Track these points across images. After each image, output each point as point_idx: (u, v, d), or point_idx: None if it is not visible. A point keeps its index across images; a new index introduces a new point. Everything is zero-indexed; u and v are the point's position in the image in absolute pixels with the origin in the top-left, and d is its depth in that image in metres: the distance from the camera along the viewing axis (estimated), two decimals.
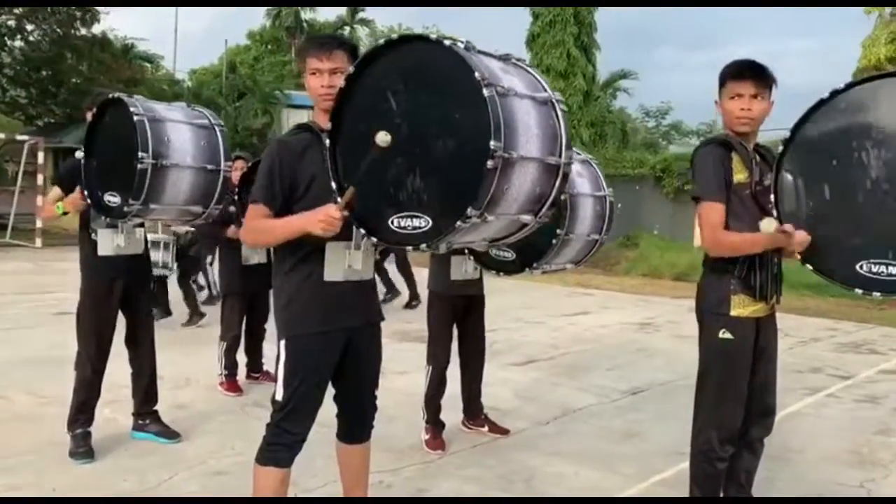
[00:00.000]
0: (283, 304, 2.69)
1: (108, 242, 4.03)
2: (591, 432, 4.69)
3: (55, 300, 8.29)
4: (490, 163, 2.17)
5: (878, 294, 2.53)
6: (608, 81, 24.37)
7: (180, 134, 3.86)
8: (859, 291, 2.57)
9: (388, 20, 57.82)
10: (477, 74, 2.20)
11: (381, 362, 2.95)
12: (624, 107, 28.78)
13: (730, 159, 2.87)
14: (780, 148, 2.75)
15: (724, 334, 2.94)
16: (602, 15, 18.99)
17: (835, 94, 2.61)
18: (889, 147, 2.49)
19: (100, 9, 17.13)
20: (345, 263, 2.69)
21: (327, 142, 2.50)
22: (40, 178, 15.02)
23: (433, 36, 2.34)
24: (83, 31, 17.68)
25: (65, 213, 4.02)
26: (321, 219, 2.43)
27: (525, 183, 2.38)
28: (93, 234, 4.05)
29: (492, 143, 2.16)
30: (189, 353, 6.21)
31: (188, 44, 59.14)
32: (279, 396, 2.66)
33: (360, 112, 2.44)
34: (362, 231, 2.49)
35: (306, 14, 38.47)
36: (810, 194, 2.67)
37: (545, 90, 2.47)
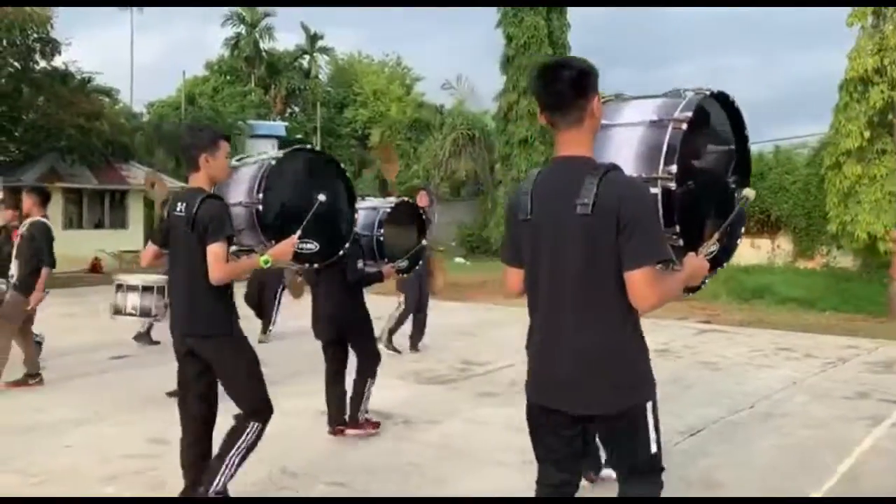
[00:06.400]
0: (647, 362, 2.43)
1: None
2: (668, 483, 4.17)
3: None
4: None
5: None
6: None
7: None
8: None
9: (346, 47, 57.52)
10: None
11: None
12: None
13: None
14: None
15: None
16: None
17: None
18: None
19: (61, 40, 16.36)
20: None
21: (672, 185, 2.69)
22: (0, 219, 14.09)
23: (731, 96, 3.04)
24: (43, 64, 16.87)
25: (266, 263, 3.55)
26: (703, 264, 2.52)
27: None
28: None
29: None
30: None
31: (143, 76, 58.00)
32: (654, 449, 2.42)
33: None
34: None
35: (265, 43, 37.97)
36: None
37: None
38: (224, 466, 3.48)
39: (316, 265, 4.27)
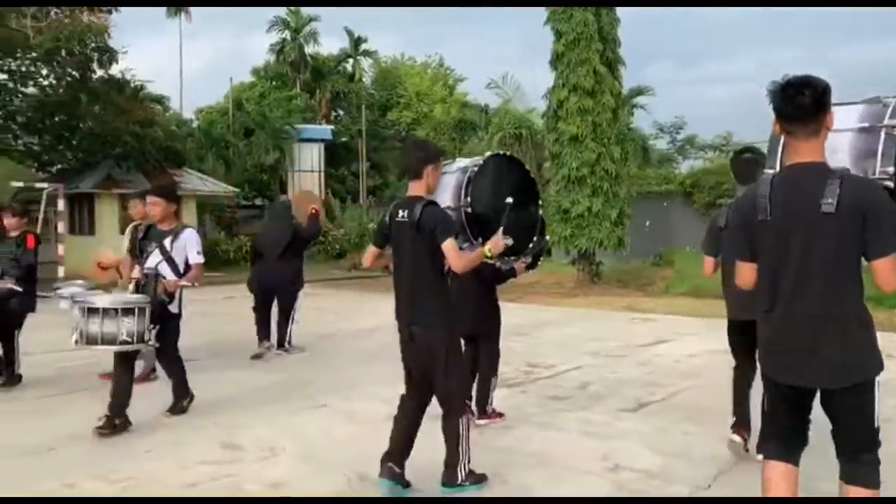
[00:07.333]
0: (876, 340, 2.76)
1: None
2: None
3: (86, 357, 7.42)
4: None
5: None
6: (625, 98, 23.94)
7: None
8: None
9: (389, 50, 57.71)
10: None
11: None
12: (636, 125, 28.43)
13: None
14: None
15: None
16: None
17: None
18: None
19: (117, 48, 16.66)
20: None
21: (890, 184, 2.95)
22: (61, 226, 14.42)
23: None
24: (100, 73, 17.20)
25: (489, 253, 4.01)
26: None
27: None
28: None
29: None
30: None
31: (191, 83, 59.16)
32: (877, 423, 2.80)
33: None
34: None
35: (310, 48, 38.23)
36: None
37: None
38: (460, 460, 3.90)
39: (512, 257, 4.74)
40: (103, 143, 18.31)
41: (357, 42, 39.46)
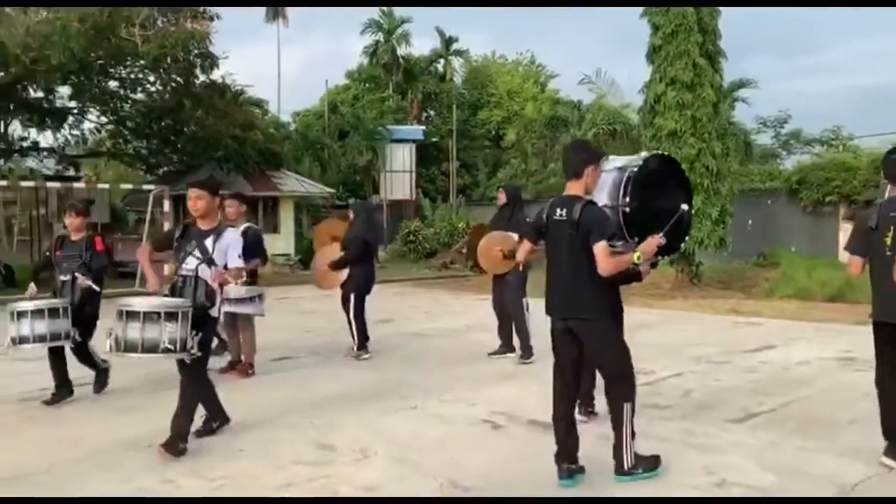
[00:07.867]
0: None
1: None
2: None
3: None
4: None
5: None
6: (726, 91, 22.96)
7: None
8: None
9: (480, 48, 57.66)
10: None
11: None
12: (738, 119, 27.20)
13: None
14: None
15: None
16: None
17: None
18: None
19: (218, 54, 17.30)
20: None
21: None
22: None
23: None
24: (202, 78, 17.90)
25: (638, 259, 4.06)
26: None
27: None
28: None
29: None
30: None
31: (287, 86, 61.02)
32: None
33: None
34: None
35: (402, 50, 38.61)
36: None
37: None
38: (624, 443, 4.01)
39: (662, 257, 4.74)
40: (206, 147, 19.01)
41: (448, 42, 39.55)
